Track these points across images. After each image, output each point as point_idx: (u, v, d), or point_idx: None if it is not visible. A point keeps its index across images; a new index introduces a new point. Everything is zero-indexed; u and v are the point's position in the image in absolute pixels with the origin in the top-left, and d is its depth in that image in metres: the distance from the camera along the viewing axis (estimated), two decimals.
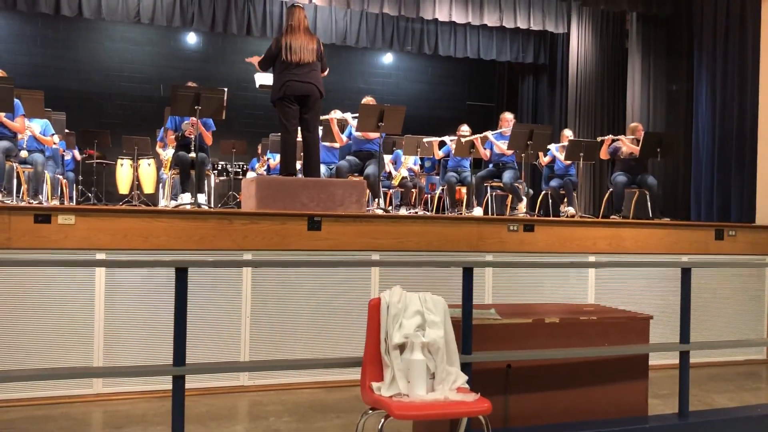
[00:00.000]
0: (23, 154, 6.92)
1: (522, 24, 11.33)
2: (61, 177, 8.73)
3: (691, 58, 9.55)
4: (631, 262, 5.65)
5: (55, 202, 7.94)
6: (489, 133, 8.24)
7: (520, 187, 7.94)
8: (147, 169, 10.30)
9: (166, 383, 3.61)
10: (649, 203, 7.69)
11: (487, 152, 8.21)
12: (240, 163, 11.05)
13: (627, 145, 7.87)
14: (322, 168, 7.17)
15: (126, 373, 4.05)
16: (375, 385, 2.82)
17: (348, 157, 7.45)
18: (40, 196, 7.09)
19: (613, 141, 8.10)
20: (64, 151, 9.24)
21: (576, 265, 5.31)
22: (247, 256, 4.65)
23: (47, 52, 12.13)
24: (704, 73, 9.07)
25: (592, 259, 5.56)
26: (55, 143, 7.74)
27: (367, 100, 7.35)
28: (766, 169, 7.08)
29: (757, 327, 6.11)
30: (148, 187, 10.31)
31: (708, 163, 8.91)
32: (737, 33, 8.43)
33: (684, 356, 3.71)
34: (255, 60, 5.96)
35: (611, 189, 7.89)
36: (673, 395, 3.94)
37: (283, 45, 5.63)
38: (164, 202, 8.53)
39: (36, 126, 7.17)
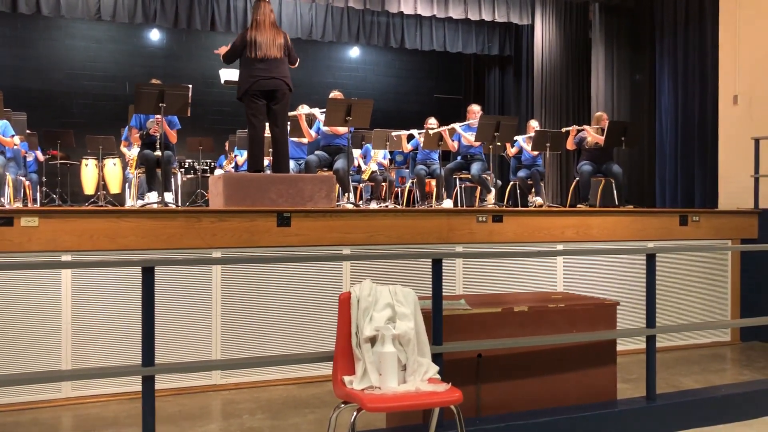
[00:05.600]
0: None
1: (487, 16, 11.40)
2: (23, 179, 8.56)
3: (653, 48, 9.71)
4: (598, 249, 5.75)
5: (18, 205, 7.78)
6: (456, 125, 8.28)
7: (489, 178, 8.00)
8: (112, 168, 10.15)
9: (137, 384, 3.57)
10: (614, 191, 7.82)
11: (455, 144, 8.25)
12: (207, 160, 10.93)
13: (592, 134, 7.97)
14: (291, 163, 7.14)
15: (94, 374, 3.99)
16: (347, 378, 2.82)
17: (317, 152, 7.42)
18: (2, 199, 6.95)
19: (579, 131, 8.20)
20: (26, 152, 9.06)
21: (544, 254, 5.37)
22: (217, 254, 4.61)
23: (5, 51, 11.85)
24: (666, 63, 9.22)
25: (560, 247, 5.63)
26: (15, 144, 7.57)
27: (335, 94, 7.32)
28: (726, 156, 7.24)
29: (722, 310, 6.25)
30: (114, 187, 10.16)
31: (671, 150, 9.08)
32: (697, 23, 8.59)
33: (650, 340, 3.79)
34: (222, 50, 5.88)
35: (577, 178, 7.99)
36: (641, 379, 4.03)
37: (248, 40, 5.57)
38: (131, 202, 8.41)
39: None
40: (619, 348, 3.91)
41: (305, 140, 7.86)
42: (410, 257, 5.12)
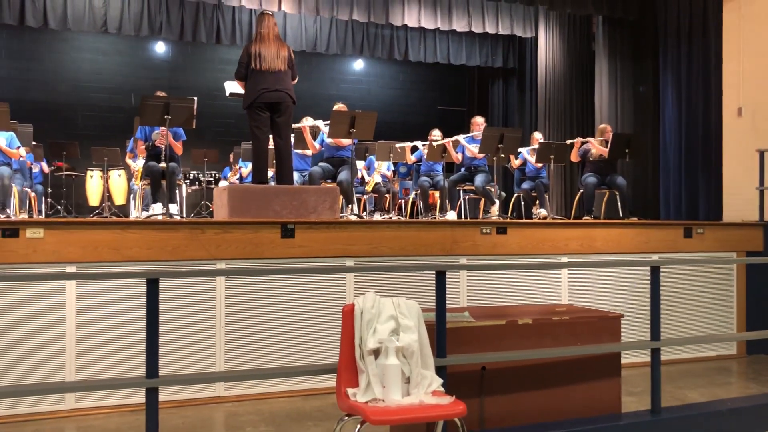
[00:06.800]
0: None
1: (490, 29, 11.44)
2: (29, 190, 8.59)
3: (656, 60, 9.72)
4: (602, 261, 5.74)
5: (24, 216, 7.80)
6: (460, 137, 8.30)
7: (493, 190, 8.00)
8: (117, 180, 10.17)
9: (140, 396, 3.57)
10: (619, 203, 7.80)
11: (459, 156, 8.26)
12: (212, 172, 10.96)
13: (596, 146, 7.97)
14: (295, 175, 7.16)
15: (98, 386, 3.98)
16: (350, 391, 2.82)
17: (321, 164, 7.44)
18: (8, 210, 6.98)
19: (583, 143, 8.21)
20: (31, 164, 9.10)
21: (548, 266, 5.37)
22: (221, 265, 4.62)
23: (12, 63, 11.95)
24: (670, 75, 9.24)
25: (564, 259, 5.62)
26: (21, 156, 7.61)
27: (339, 106, 7.36)
28: (731, 168, 7.24)
29: (727, 323, 6.22)
30: (119, 199, 10.18)
31: (675, 162, 9.07)
32: (700, 35, 8.61)
33: (655, 353, 3.77)
34: (237, 85, 5.92)
35: (582, 190, 7.98)
36: (646, 392, 4.01)
37: (253, 53, 5.61)
38: (135, 213, 8.43)
39: (1, 139, 7.05)
40: (623, 361, 3.89)
41: (309, 152, 7.89)
42: (414, 269, 5.12)
